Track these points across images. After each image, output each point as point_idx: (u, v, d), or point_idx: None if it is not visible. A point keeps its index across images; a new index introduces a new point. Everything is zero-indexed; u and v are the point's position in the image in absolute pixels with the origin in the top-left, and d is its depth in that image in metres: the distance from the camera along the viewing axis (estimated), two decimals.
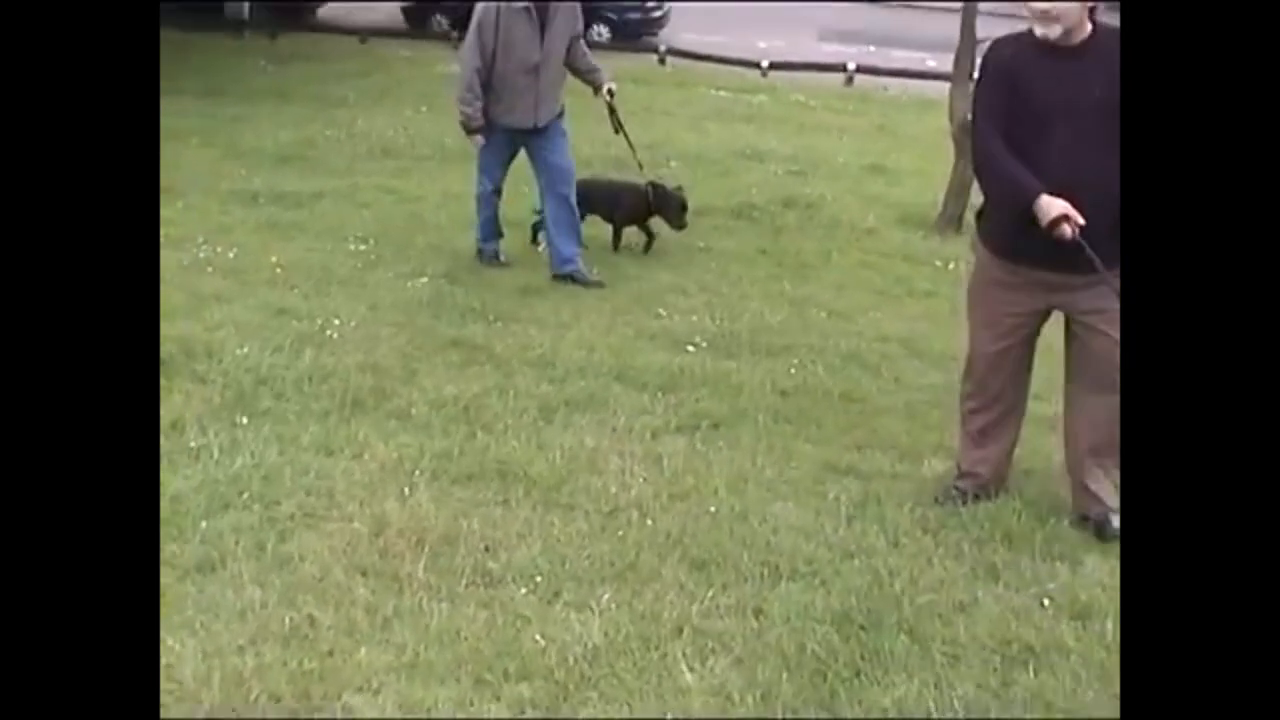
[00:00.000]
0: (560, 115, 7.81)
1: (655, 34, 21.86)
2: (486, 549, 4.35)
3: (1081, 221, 4.34)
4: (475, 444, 5.20)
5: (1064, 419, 5.01)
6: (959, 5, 10.43)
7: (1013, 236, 4.65)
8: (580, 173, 8.23)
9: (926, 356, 6.79)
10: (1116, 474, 4.61)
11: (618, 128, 8.23)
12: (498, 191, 7.99)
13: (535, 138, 7.73)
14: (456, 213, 8.96)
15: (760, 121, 14.55)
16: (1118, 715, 3.01)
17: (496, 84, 7.51)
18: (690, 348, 6.56)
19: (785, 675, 3.72)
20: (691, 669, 3.72)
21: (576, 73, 7.93)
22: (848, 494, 4.98)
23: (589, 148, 9.78)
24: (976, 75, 5.07)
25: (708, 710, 3.54)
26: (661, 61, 19.17)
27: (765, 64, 18.44)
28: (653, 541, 4.45)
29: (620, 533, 4.50)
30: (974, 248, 5.18)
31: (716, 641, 3.88)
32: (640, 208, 8.43)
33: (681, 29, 21.84)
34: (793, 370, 6.35)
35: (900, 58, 19.70)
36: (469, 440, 5.23)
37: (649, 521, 4.58)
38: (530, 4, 7.38)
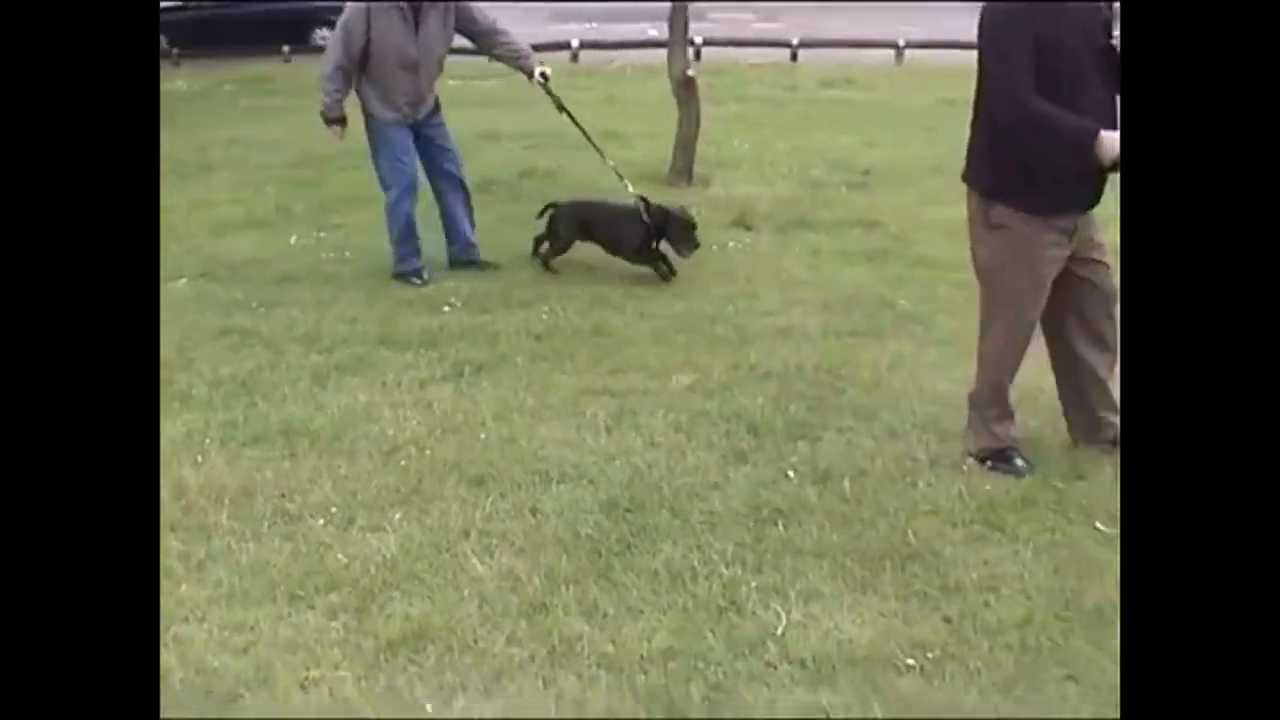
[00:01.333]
0: (437, 108, 7.89)
1: None
2: (282, 495, 4.73)
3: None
4: (257, 411, 5.55)
5: (1063, 352, 5.08)
6: None
7: (1067, 190, 4.66)
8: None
9: (669, 291, 7.40)
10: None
11: (561, 108, 8.01)
12: (413, 187, 7.81)
13: (421, 128, 7.80)
14: (204, 219, 9.24)
15: (494, 105, 14.97)
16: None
17: (377, 82, 7.56)
18: (447, 308, 7.02)
19: (564, 557, 4.23)
20: (482, 562, 4.19)
21: (501, 60, 7.96)
22: (605, 410, 5.51)
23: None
24: (993, 38, 4.63)
25: (498, 586, 4.01)
26: None
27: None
28: (432, 469, 4.90)
29: (402, 464, 4.94)
30: (994, 227, 4.83)
31: (500, 539, 4.36)
32: (643, 236, 7.76)
33: None
34: (545, 316, 6.86)
35: (622, 31, 20.36)
36: (250, 409, 5.58)
37: (427, 452, 5.03)
38: (403, 3, 7.40)
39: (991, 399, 5.06)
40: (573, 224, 7.96)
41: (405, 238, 7.83)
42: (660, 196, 9.38)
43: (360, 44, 7.42)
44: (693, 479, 4.83)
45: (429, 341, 6.42)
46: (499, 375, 5.98)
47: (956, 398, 5.62)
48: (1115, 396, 5.01)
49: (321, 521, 4.50)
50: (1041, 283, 4.83)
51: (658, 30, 17.39)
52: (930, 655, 3.72)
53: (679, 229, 7.66)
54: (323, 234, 8.99)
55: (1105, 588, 4.12)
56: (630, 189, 7.90)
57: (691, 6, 11.42)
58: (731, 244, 8.55)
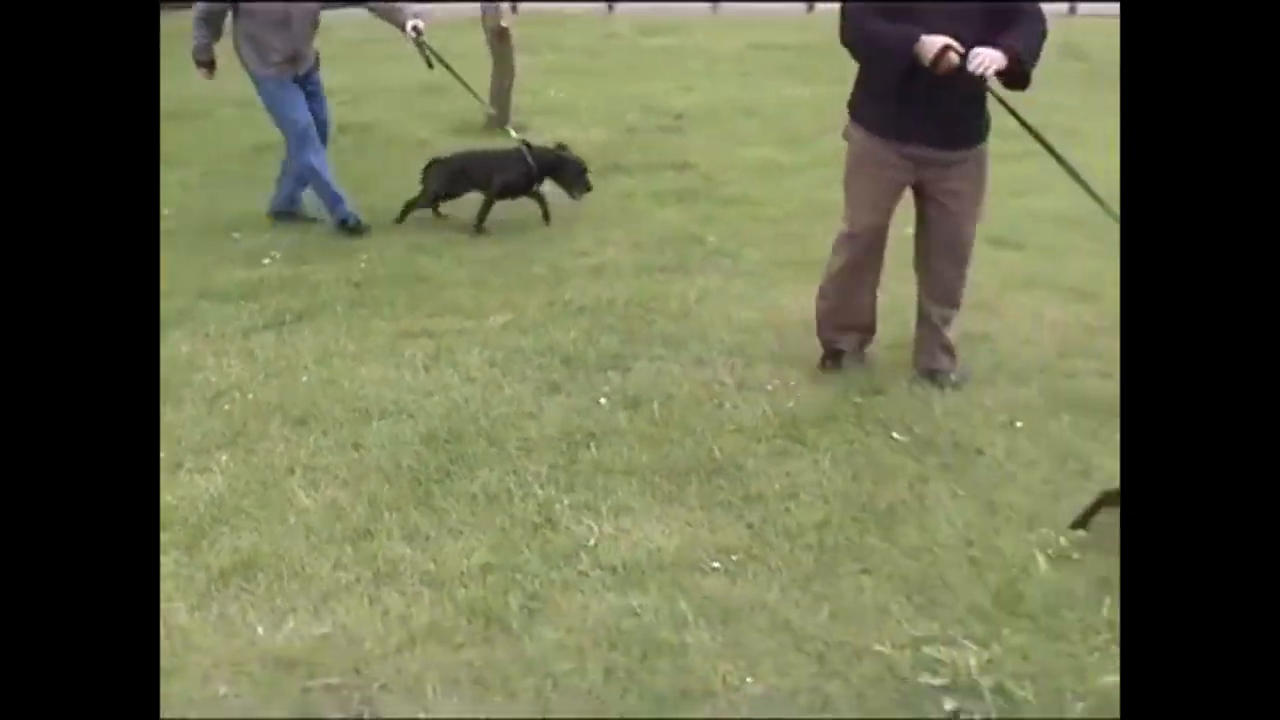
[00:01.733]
0: (316, 66, 7.81)
1: None
2: None
3: (961, 50, 4.64)
4: None
5: (918, 285, 5.49)
6: None
7: (895, 113, 4.98)
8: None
9: (485, 237, 7.59)
10: (951, 330, 5.44)
11: (430, 64, 7.91)
12: (309, 137, 7.66)
13: (304, 85, 7.70)
14: None
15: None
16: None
17: (254, 40, 7.43)
18: (267, 260, 7.10)
19: (386, 486, 4.43)
20: (307, 495, 4.37)
21: (375, 13, 7.89)
22: (423, 351, 5.70)
23: None
24: None
25: (323, 516, 4.20)
26: None
27: None
28: (256, 411, 5.04)
29: (226, 408, 5.07)
30: (847, 135, 5.29)
31: (324, 473, 4.54)
32: (523, 176, 7.91)
33: None
34: (363, 265, 7.00)
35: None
36: None
37: (250, 396, 5.17)
38: None
39: (822, 304, 5.50)
40: (456, 175, 8.04)
41: (321, 187, 7.78)
42: (477, 144, 9.57)
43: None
44: (508, 410, 5.06)
45: (249, 293, 6.51)
46: (319, 323, 6.11)
47: (761, 325, 5.96)
48: (947, 339, 5.44)
49: None
50: (873, 199, 5.21)
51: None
52: (734, 558, 4.02)
53: (571, 171, 7.88)
54: None
55: (898, 490, 4.49)
56: (514, 135, 8.10)
57: None
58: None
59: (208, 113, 11.71)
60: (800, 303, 6.17)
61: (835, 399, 5.21)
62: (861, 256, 5.31)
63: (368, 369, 5.50)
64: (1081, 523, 4.21)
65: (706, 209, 8.31)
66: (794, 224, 7.90)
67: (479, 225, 7.79)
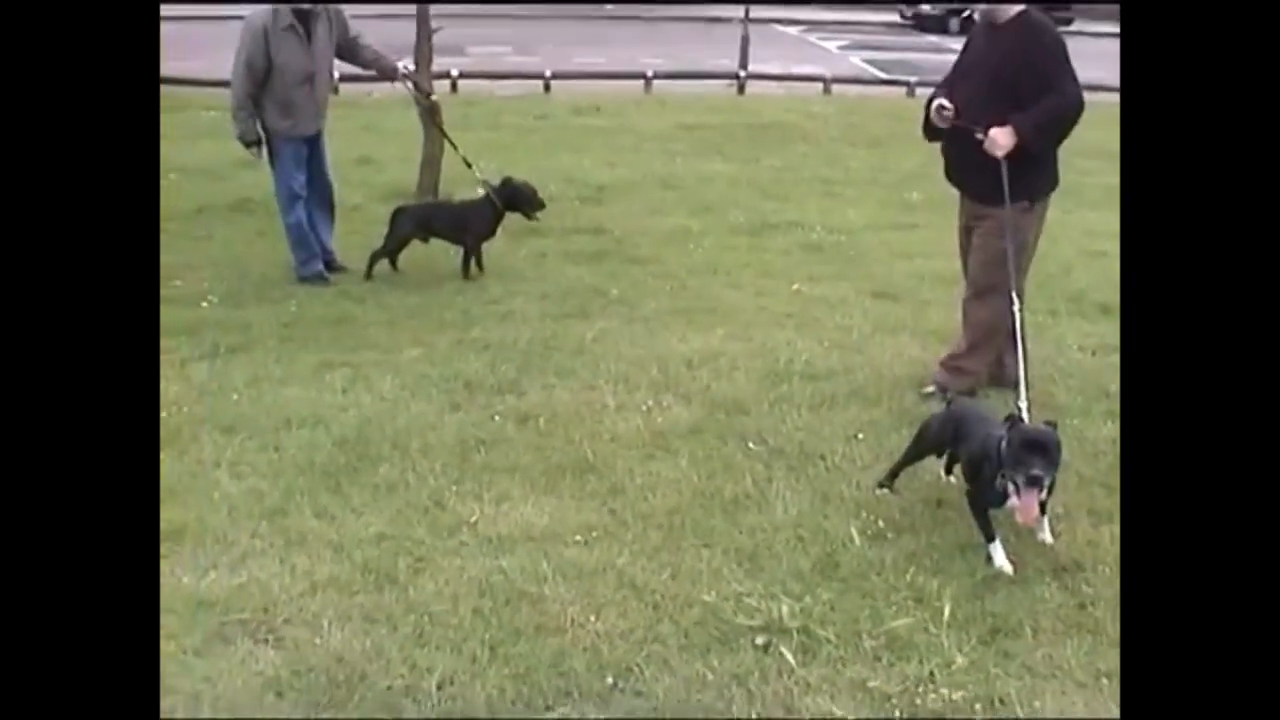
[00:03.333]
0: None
1: None
2: None
3: (949, 106, 6.01)
4: None
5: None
6: (414, 8, 11.94)
7: (945, 165, 6.34)
8: None
9: (404, 285, 8.35)
10: (962, 357, 6.40)
11: (426, 96, 9.06)
12: (300, 196, 8.37)
13: (314, 144, 8.46)
14: None
15: None
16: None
17: (280, 99, 8.08)
18: (205, 304, 7.78)
19: (301, 478, 5.15)
20: (232, 483, 5.07)
21: (367, 65, 8.67)
22: (342, 377, 6.43)
23: None
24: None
25: (244, 499, 4.90)
26: None
27: None
28: (188, 421, 5.73)
29: (163, 417, 5.73)
30: None
31: (247, 467, 5.25)
32: (491, 221, 8.72)
33: (169, 57, 22.37)
34: (294, 309, 7.73)
35: None
36: None
37: (184, 410, 5.85)
38: (294, 21, 7.94)
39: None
40: (421, 222, 8.80)
41: (302, 242, 8.47)
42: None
43: (263, 68, 7.99)
44: (413, 422, 5.80)
45: (188, 330, 7.18)
46: (251, 355, 6.81)
47: (648, 359, 6.70)
48: (950, 360, 6.44)
49: None
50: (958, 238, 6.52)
51: (408, 64, 18.25)
52: (594, 534, 4.75)
53: (526, 196, 8.77)
54: None
55: (745, 485, 5.23)
56: (479, 174, 8.89)
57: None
58: None
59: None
60: (687, 344, 6.98)
61: (703, 417, 5.96)
62: None
63: (291, 390, 6.21)
64: (886, 483, 5.18)
65: (614, 267, 9.06)
66: (692, 280, 8.68)
67: (466, 273, 8.62)
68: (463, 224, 8.74)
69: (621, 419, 5.92)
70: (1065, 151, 6.05)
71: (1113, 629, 4.18)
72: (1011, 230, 5.78)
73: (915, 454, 5.15)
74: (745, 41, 23.00)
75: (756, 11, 27.23)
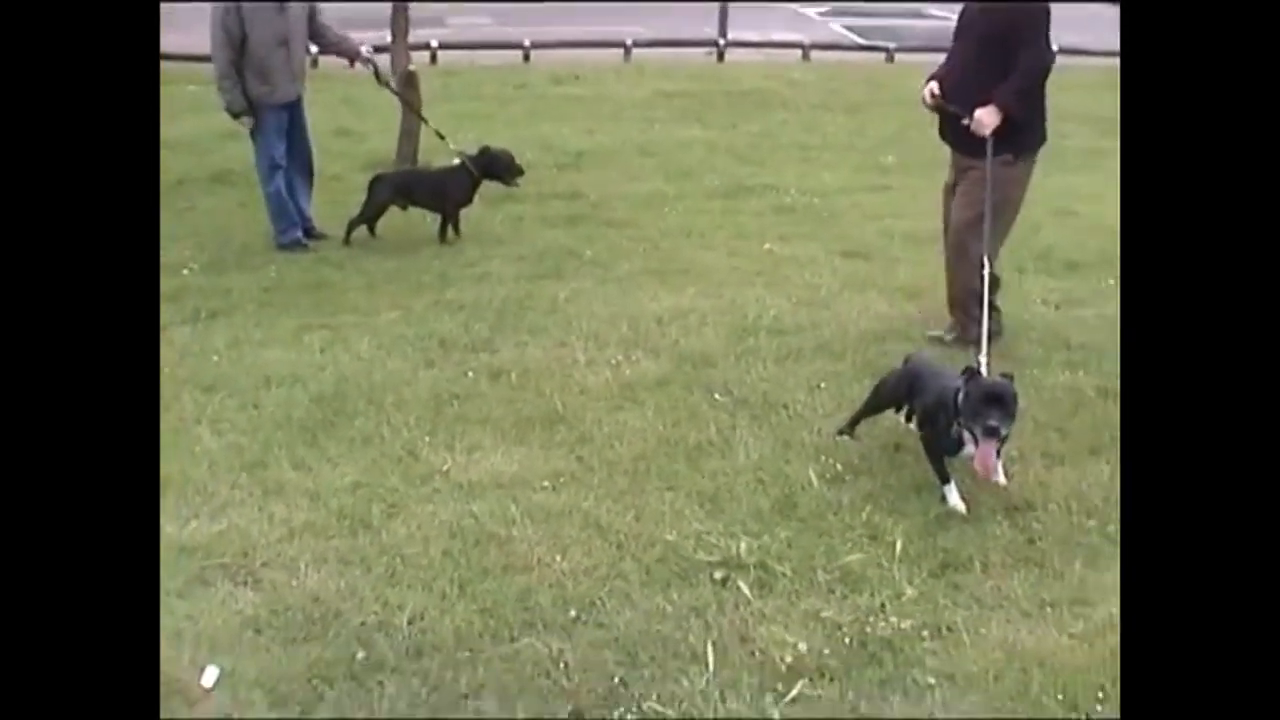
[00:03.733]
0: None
1: None
2: None
3: (936, 92, 6.35)
4: None
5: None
6: None
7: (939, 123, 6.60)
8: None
9: (382, 250, 8.51)
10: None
11: (384, 83, 9.20)
12: (280, 166, 8.50)
13: (294, 110, 8.62)
14: None
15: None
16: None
17: (257, 66, 8.21)
18: (186, 270, 7.94)
19: (279, 432, 5.33)
20: (213, 439, 5.25)
21: (329, 46, 8.93)
22: (320, 339, 6.59)
23: None
24: None
25: (224, 453, 5.08)
26: None
27: None
28: (171, 381, 5.88)
29: None
30: None
31: (227, 423, 5.44)
32: (469, 189, 8.87)
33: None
34: (273, 274, 7.88)
35: (360, 38, 21.09)
36: None
37: (166, 371, 5.98)
38: None
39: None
40: (400, 190, 8.93)
41: (281, 211, 8.62)
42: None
43: (239, 35, 8.13)
44: (388, 379, 5.98)
45: (170, 297, 7.29)
46: (231, 319, 6.97)
47: (619, 317, 6.87)
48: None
49: None
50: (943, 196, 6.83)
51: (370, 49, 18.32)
52: (561, 479, 4.95)
53: (503, 164, 8.90)
54: None
55: (709, 433, 5.41)
56: (452, 146, 9.01)
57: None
58: None
59: None
60: (658, 302, 7.16)
61: (671, 370, 6.14)
62: None
63: (270, 352, 6.37)
64: (846, 430, 5.36)
65: (589, 230, 9.21)
66: (665, 241, 8.84)
67: (443, 238, 8.78)
68: (440, 191, 8.89)
69: (591, 373, 6.10)
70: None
71: (1059, 562, 4.38)
72: (993, 183, 6.00)
73: (873, 406, 5.34)
74: (724, 9, 23.06)
75: None
